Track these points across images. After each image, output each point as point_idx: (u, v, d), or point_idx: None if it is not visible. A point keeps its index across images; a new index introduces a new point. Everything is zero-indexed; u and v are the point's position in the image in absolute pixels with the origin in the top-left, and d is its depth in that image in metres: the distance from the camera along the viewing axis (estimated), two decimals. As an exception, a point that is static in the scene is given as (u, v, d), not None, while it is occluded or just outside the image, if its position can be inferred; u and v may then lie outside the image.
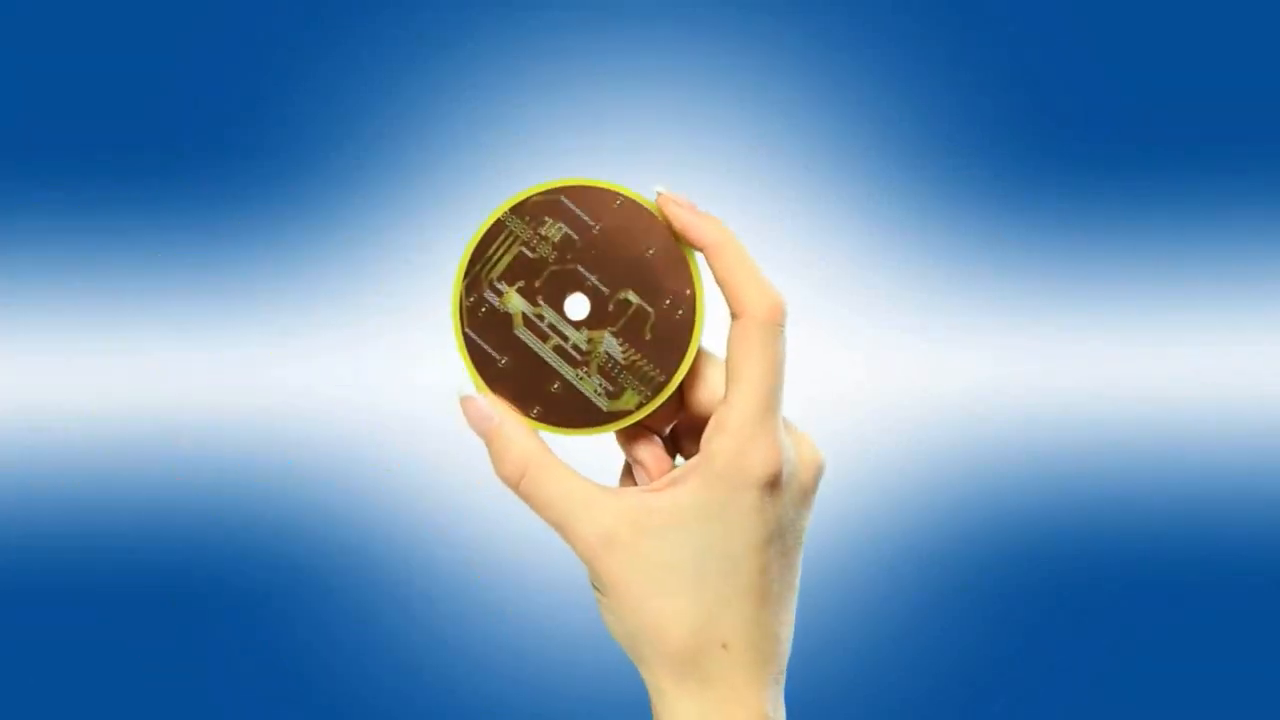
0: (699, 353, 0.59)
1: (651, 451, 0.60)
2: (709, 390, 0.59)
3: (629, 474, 0.62)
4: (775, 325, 0.56)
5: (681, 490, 0.56)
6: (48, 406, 1.36)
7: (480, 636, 1.32)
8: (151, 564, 1.33)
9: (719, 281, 0.57)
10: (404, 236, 1.35)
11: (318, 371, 1.36)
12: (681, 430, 0.62)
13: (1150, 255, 1.39)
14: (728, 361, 0.57)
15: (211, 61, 1.35)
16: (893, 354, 1.38)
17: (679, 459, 0.62)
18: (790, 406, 0.58)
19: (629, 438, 0.61)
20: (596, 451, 0.62)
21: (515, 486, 0.58)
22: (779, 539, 0.57)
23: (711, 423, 0.57)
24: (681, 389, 0.60)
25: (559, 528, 0.58)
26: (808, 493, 0.58)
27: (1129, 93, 1.38)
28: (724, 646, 0.57)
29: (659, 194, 0.58)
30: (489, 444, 0.59)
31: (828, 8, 1.37)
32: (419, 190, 1.36)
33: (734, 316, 0.56)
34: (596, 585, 0.58)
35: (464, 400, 0.59)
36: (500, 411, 0.59)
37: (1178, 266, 1.39)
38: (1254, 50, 1.37)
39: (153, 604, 1.32)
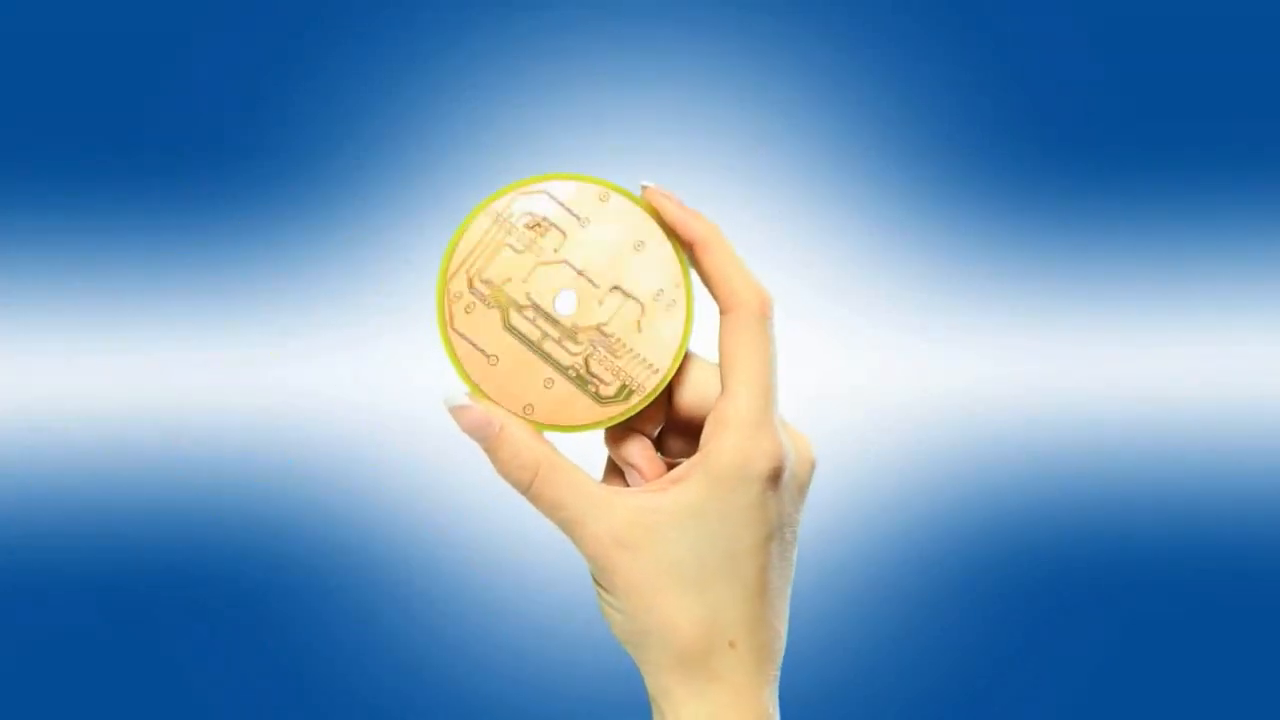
0: (685, 353, 0.59)
1: (643, 452, 0.60)
2: (695, 390, 0.59)
3: (615, 475, 0.61)
4: (766, 318, 0.56)
5: (685, 488, 0.56)
6: (48, 406, 1.36)
7: (480, 636, 1.32)
8: (151, 563, 1.33)
9: (707, 276, 0.57)
10: (404, 236, 1.35)
11: (318, 371, 1.36)
12: (668, 431, 0.61)
13: (1150, 255, 1.39)
14: (721, 357, 0.56)
15: (211, 61, 1.35)
16: (893, 354, 1.38)
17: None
18: (790, 406, 0.58)
19: (618, 439, 0.60)
20: (585, 450, 0.61)
21: (526, 489, 0.57)
22: (779, 534, 0.57)
23: (711, 419, 0.56)
24: (669, 389, 0.59)
25: (569, 528, 0.57)
26: (803, 487, 0.58)
27: (1129, 93, 1.38)
28: (731, 644, 0.56)
29: (645, 188, 0.58)
30: (494, 450, 0.57)
31: (828, 8, 1.37)
32: (419, 190, 1.36)
33: (723, 311, 0.56)
34: (604, 585, 0.57)
35: (456, 410, 0.57)
36: (499, 415, 0.57)
37: (1178, 266, 1.39)
38: (1254, 50, 1.37)
39: (153, 603, 1.32)
